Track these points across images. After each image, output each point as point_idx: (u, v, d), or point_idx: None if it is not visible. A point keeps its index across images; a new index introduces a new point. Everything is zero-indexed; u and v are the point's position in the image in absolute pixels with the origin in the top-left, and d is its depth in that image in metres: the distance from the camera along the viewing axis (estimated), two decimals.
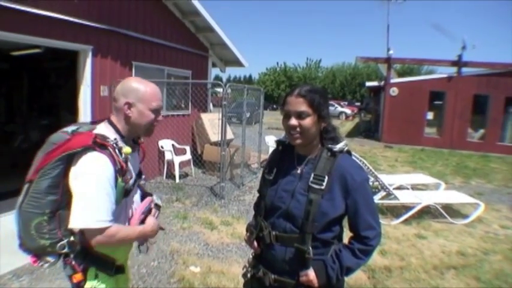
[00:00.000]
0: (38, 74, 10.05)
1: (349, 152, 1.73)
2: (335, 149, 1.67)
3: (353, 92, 47.25)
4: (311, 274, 1.63)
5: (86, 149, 1.59)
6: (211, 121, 8.97)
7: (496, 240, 5.31)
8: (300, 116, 1.61)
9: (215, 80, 10.68)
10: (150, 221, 1.87)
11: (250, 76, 62.25)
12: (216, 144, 8.29)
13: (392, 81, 16.38)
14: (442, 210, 5.94)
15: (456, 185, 8.85)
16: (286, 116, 1.66)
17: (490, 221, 6.18)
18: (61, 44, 5.51)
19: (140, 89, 1.77)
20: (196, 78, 9.01)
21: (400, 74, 24.59)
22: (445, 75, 15.74)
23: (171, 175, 7.89)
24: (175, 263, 4.11)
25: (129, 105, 1.76)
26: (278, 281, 1.72)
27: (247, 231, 1.91)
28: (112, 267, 1.78)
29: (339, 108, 34.96)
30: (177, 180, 7.66)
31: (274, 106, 44.72)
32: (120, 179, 1.65)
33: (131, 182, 1.78)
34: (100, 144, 1.61)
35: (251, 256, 1.93)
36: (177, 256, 4.27)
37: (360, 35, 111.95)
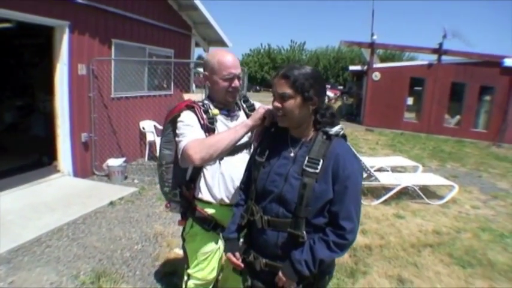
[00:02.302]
0: (10, 51, 9.48)
1: (344, 136, 1.69)
2: (331, 133, 1.62)
3: (336, 76, 47.33)
4: (280, 277, 1.63)
5: (182, 111, 2.02)
6: None
7: (467, 219, 5.53)
8: (282, 97, 1.58)
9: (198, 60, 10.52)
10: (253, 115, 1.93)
11: None
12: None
13: (375, 66, 16.51)
14: (419, 192, 6.12)
15: (433, 167, 9.09)
16: (273, 98, 1.64)
17: (463, 202, 6.40)
18: (34, 19, 5.17)
19: (210, 61, 2.02)
20: (179, 57, 8.84)
21: (383, 60, 24.81)
22: (425, 63, 15.93)
23: (153, 157, 7.79)
24: (159, 245, 4.07)
25: (206, 77, 2.06)
26: (269, 265, 1.70)
27: (232, 251, 1.84)
28: (210, 224, 2.12)
29: None
30: None
31: (258, 88, 44.60)
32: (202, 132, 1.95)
33: None
34: (189, 106, 2.03)
35: (241, 240, 1.89)
36: (161, 239, 4.23)
37: (344, 19, 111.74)
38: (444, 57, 15.41)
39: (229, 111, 2.13)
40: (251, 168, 1.83)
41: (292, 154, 1.67)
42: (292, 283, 1.62)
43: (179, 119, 1.99)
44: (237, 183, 2.03)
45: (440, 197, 6.37)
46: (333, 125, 1.65)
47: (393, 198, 5.99)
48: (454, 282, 3.66)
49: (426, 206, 5.96)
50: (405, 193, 6.31)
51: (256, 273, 1.77)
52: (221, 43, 10.59)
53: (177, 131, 1.97)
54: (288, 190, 1.59)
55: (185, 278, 2.26)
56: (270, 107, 1.84)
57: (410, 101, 16.64)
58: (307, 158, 1.58)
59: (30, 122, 8.55)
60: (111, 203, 5.12)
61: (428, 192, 6.43)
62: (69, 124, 5.90)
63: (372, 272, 3.72)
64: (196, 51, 10.55)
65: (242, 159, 2.05)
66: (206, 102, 2.09)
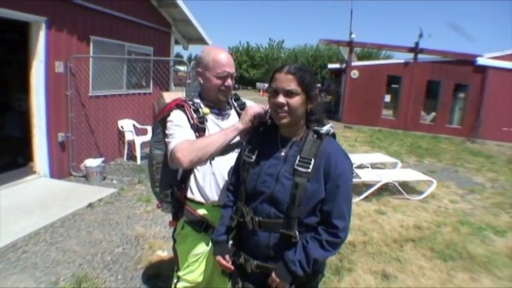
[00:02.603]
0: None
1: (334, 135, 1.68)
2: (322, 132, 1.60)
3: (314, 74, 47.50)
4: (273, 278, 1.60)
5: (171, 110, 1.99)
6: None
7: (447, 214, 5.66)
8: (289, 94, 1.54)
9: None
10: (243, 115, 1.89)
11: None
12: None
13: (353, 64, 16.70)
14: (399, 187, 6.22)
15: (411, 163, 9.26)
16: (274, 94, 1.58)
17: (441, 196, 6.55)
18: (8, 13, 4.94)
19: (204, 58, 1.99)
20: (158, 55, 8.69)
21: (360, 58, 25.06)
22: (402, 61, 16.22)
23: (132, 156, 7.66)
24: (141, 248, 3.96)
25: (199, 73, 2.03)
26: (261, 266, 1.67)
27: (221, 254, 1.81)
28: (202, 225, 2.07)
29: None
30: (139, 161, 7.43)
31: (236, 86, 44.50)
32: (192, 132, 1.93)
33: None
34: (179, 105, 2.00)
35: (230, 242, 1.84)
36: (143, 241, 4.12)
37: (322, 18, 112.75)
38: (420, 56, 15.75)
39: (220, 110, 2.10)
40: (239, 168, 1.78)
41: (282, 154, 1.64)
42: (285, 284, 1.60)
43: (169, 119, 1.95)
44: (221, 183, 2.02)
45: (420, 192, 6.49)
46: (322, 123, 1.64)
47: (374, 194, 6.06)
48: (436, 275, 3.73)
49: (406, 201, 6.05)
50: (385, 189, 6.39)
51: (247, 275, 1.74)
52: (201, 41, 10.48)
53: (167, 131, 1.93)
54: (280, 190, 1.57)
55: (174, 280, 2.21)
56: (258, 106, 1.84)
57: (387, 98, 16.92)
58: (298, 158, 1.56)
59: (5, 121, 8.24)
60: (90, 205, 4.98)
61: (407, 187, 6.55)
62: (45, 123, 5.71)
63: (357, 268, 3.75)
64: (176, 49, 10.43)
65: (233, 159, 1.99)
66: (196, 101, 2.06)
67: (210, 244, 2.11)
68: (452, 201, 6.31)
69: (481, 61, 14.71)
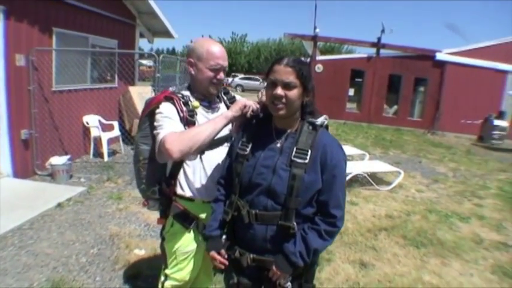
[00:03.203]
0: None
1: (327, 127, 1.70)
2: (317, 123, 1.62)
3: None
4: (274, 271, 1.61)
5: (160, 103, 1.92)
6: (139, 95, 8.50)
7: (415, 202, 5.89)
8: (287, 86, 1.54)
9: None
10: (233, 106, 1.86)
11: (173, 49, 59.61)
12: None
13: (317, 58, 16.91)
14: (369, 178, 6.39)
15: (377, 155, 9.54)
16: (272, 85, 1.58)
17: (408, 186, 6.81)
18: None
19: (198, 48, 1.94)
20: (123, 48, 8.40)
21: (322, 52, 25.40)
22: (365, 55, 16.59)
23: (98, 153, 7.43)
24: (117, 247, 3.84)
25: (191, 64, 1.97)
26: (257, 260, 1.67)
27: (215, 249, 1.77)
28: (191, 223, 2.03)
29: (264, 83, 35.31)
30: (106, 158, 7.21)
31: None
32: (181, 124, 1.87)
33: None
34: (168, 97, 1.93)
35: (224, 237, 1.80)
36: (118, 240, 3.99)
37: (284, 12, 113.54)
38: (382, 51, 16.16)
39: (210, 103, 2.06)
40: (231, 162, 1.77)
41: (278, 145, 1.64)
42: (286, 276, 1.61)
43: (158, 111, 1.89)
44: (210, 179, 1.98)
45: (388, 183, 6.70)
46: (315, 115, 1.66)
47: (345, 186, 6.17)
48: (411, 262, 3.88)
49: (376, 192, 6.24)
50: (356, 180, 6.56)
51: (241, 270, 1.73)
52: (167, 34, 10.29)
53: (155, 123, 1.86)
54: (277, 182, 1.56)
55: (162, 278, 2.15)
56: (249, 101, 1.84)
57: (351, 92, 17.29)
58: (295, 149, 1.57)
59: None
60: (59, 205, 4.77)
61: (376, 178, 6.73)
62: (6, 120, 5.39)
63: (335, 258, 3.82)
64: (141, 42, 10.16)
65: (224, 152, 1.96)
66: (186, 93, 2.01)
67: (199, 242, 2.07)
68: (419, 191, 6.57)
69: (439, 56, 15.36)
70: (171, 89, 2.05)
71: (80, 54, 7.02)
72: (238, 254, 1.71)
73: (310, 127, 1.62)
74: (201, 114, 1.99)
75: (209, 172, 1.98)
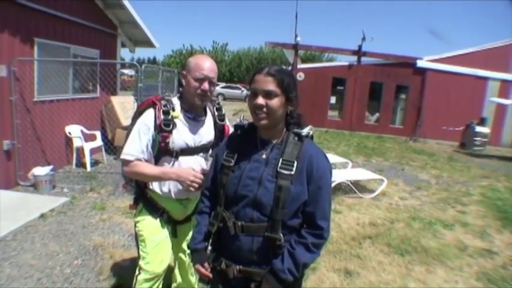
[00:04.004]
0: None
1: (312, 138, 1.70)
2: (303, 134, 1.62)
3: None
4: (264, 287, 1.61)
5: (147, 107, 2.16)
6: (122, 104, 8.44)
7: (398, 210, 5.97)
8: (268, 95, 1.54)
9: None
10: (179, 170, 2.13)
11: (154, 58, 59.38)
12: (127, 128, 7.84)
13: (299, 66, 17.04)
14: (352, 186, 6.47)
15: (360, 163, 9.64)
16: (253, 95, 1.59)
17: (392, 194, 6.89)
18: None
19: (190, 62, 2.15)
20: (105, 58, 8.36)
21: (303, 60, 25.69)
22: (346, 63, 16.77)
23: (81, 163, 7.34)
24: (101, 258, 3.80)
25: (183, 75, 2.16)
26: (244, 271, 1.65)
27: (200, 262, 1.77)
28: (157, 212, 2.28)
29: (245, 92, 35.53)
30: (89, 168, 7.13)
31: (181, 89, 43.78)
32: (155, 133, 2.11)
33: (175, 144, 2.15)
34: (154, 103, 2.14)
35: (210, 248, 1.79)
36: (102, 251, 3.96)
37: (265, 21, 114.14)
38: (363, 59, 16.38)
39: (196, 116, 2.22)
40: (216, 173, 1.77)
41: (263, 156, 1.64)
42: None
43: (140, 118, 2.15)
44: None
45: (371, 191, 6.79)
46: (301, 126, 1.67)
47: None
48: (396, 269, 3.93)
49: (359, 199, 6.31)
50: (339, 188, 6.61)
51: (228, 281, 1.73)
52: (148, 44, 10.26)
53: (132, 127, 2.17)
54: (263, 193, 1.56)
55: (136, 272, 2.30)
56: (197, 177, 2.06)
57: (333, 100, 17.43)
58: (281, 160, 1.57)
59: None
60: (42, 216, 4.71)
61: (359, 186, 6.81)
62: None
63: (320, 267, 3.85)
64: (122, 52, 10.11)
65: (198, 161, 2.23)
66: (175, 101, 2.20)
67: (168, 231, 2.35)
68: (402, 198, 6.67)
69: (420, 63, 15.66)
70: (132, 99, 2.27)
71: (62, 64, 6.96)
72: (224, 265, 1.70)
73: (296, 138, 1.62)
74: (183, 124, 2.18)
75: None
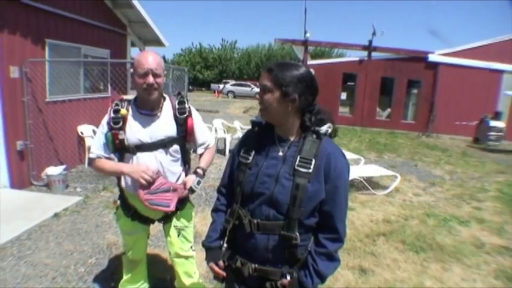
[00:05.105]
0: None
1: (330, 135, 1.65)
2: (322, 131, 1.59)
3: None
4: None
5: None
6: None
7: (412, 206, 5.89)
8: (263, 90, 1.56)
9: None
10: (133, 166, 2.26)
11: (164, 57, 59.36)
12: None
13: (308, 63, 16.94)
14: (365, 183, 6.40)
15: (372, 159, 9.56)
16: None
17: (405, 190, 6.81)
18: None
19: (133, 60, 2.22)
20: (115, 58, 8.38)
21: (312, 57, 25.54)
22: (356, 59, 16.67)
23: None
24: (115, 257, 3.79)
25: (131, 75, 2.24)
26: (260, 270, 1.64)
27: (214, 261, 1.78)
28: (129, 211, 2.42)
29: (255, 89, 35.56)
30: None
31: (190, 87, 44.01)
32: (107, 131, 2.24)
33: (130, 141, 2.24)
34: (112, 104, 2.28)
35: (225, 246, 1.79)
36: (116, 249, 3.95)
37: (274, 17, 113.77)
38: (374, 54, 16.25)
39: (152, 111, 2.30)
40: (232, 170, 1.76)
41: (280, 154, 1.61)
42: None
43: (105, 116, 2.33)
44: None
45: (384, 187, 6.71)
46: (323, 122, 1.63)
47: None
48: (411, 267, 3.87)
49: (373, 196, 6.24)
50: (351, 185, 6.55)
51: (243, 279, 1.71)
52: (157, 43, 10.27)
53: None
54: (280, 191, 1.54)
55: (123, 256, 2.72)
56: (147, 174, 2.19)
57: (343, 96, 17.35)
58: (298, 158, 1.54)
59: None
60: (56, 215, 4.75)
61: (372, 182, 6.74)
62: (2, 132, 5.38)
63: None
64: (132, 51, 10.15)
65: (157, 157, 2.29)
66: (128, 99, 2.34)
67: (141, 229, 2.53)
68: (416, 195, 6.58)
69: (432, 58, 15.46)
70: (125, 96, 2.48)
71: (73, 64, 7.00)
72: (239, 263, 1.69)
73: (314, 136, 1.59)
74: (136, 121, 2.27)
75: None
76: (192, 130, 2.39)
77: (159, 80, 2.16)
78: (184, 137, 2.37)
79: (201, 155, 2.53)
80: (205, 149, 2.52)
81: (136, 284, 2.72)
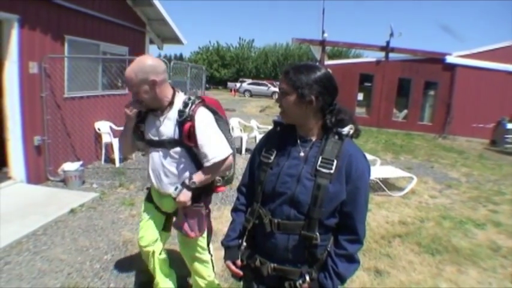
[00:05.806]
0: None
1: (352, 136, 1.64)
2: (344, 132, 1.57)
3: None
4: None
5: None
6: None
7: (428, 208, 5.81)
8: (281, 93, 1.58)
9: None
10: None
11: (181, 55, 59.84)
12: None
13: (326, 63, 16.83)
14: (381, 184, 6.32)
15: (388, 160, 9.47)
16: None
17: (421, 192, 6.72)
18: None
19: None
20: (133, 55, 8.33)
21: (330, 57, 25.35)
22: (373, 59, 16.50)
23: (110, 159, 7.47)
24: (130, 254, 3.82)
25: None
26: (279, 269, 1.64)
27: (232, 259, 1.80)
28: (150, 198, 2.74)
29: (272, 88, 35.58)
30: (117, 164, 7.26)
31: (207, 85, 44.24)
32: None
33: (146, 135, 2.47)
34: None
35: (244, 245, 1.80)
36: (131, 246, 3.96)
37: (291, 17, 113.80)
38: (391, 55, 16.05)
39: (162, 112, 2.39)
40: (253, 169, 1.76)
41: (302, 154, 1.61)
42: None
43: None
44: (153, 173, 2.50)
45: (400, 189, 6.63)
46: (345, 124, 1.61)
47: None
48: (426, 269, 3.82)
49: (389, 198, 6.17)
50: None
51: (261, 279, 1.71)
52: (176, 40, 10.34)
53: None
54: (302, 191, 1.54)
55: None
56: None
57: (360, 96, 17.17)
58: (320, 159, 1.54)
59: None
60: (72, 211, 4.80)
61: (387, 184, 6.66)
62: (20, 127, 5.46)
63: None
64: (151, 49, 10.23)
65: (159, 155, 2.43)
66: None
67: (156, 216, 2.72)
68: (432, 197, 6.49)
69: (449, 59, 15.22)
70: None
71: (91, 61, 7.09)
72: (258, 262, 1.69)
73: (336, 136, 1.58)
74: (150, 119, 2.46)
75: (151, 167, 2.51)
76: (189, 135, 2.28)
77: (138, 94, 2.27)
78: (183, 141, 2.32)
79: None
80: (208, 162, 2.28)
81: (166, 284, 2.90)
